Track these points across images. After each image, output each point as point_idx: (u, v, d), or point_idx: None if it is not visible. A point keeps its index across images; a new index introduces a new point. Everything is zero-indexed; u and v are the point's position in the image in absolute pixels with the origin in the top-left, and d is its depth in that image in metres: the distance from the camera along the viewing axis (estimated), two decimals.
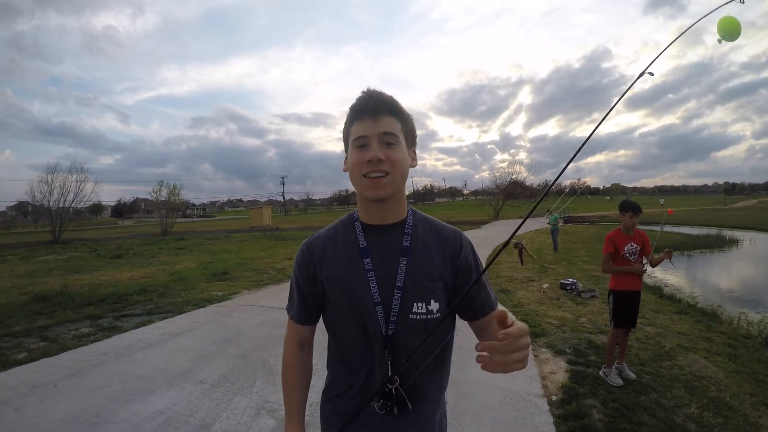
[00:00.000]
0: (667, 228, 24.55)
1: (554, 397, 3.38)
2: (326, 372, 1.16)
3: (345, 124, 1.05)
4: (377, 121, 0.98)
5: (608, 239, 3.79)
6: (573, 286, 7.51)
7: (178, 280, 9.39)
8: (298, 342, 1.16)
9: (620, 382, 3.61)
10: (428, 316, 1.00)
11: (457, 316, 1.11)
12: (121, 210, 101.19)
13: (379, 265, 1.01)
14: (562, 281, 7.90)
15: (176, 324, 5.65)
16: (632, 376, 3.74)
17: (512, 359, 0.73)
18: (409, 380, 0.99)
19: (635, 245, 3.69)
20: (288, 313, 1.16)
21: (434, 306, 1.01)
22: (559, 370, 3.96)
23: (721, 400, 3.37)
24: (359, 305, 1.00)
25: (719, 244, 17.02)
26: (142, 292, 8.01)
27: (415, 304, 0.99)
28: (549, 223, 15.38)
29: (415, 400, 1.01)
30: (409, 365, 0.94)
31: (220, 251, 16.54)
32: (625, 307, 3.74)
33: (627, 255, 3.69)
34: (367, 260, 1.02)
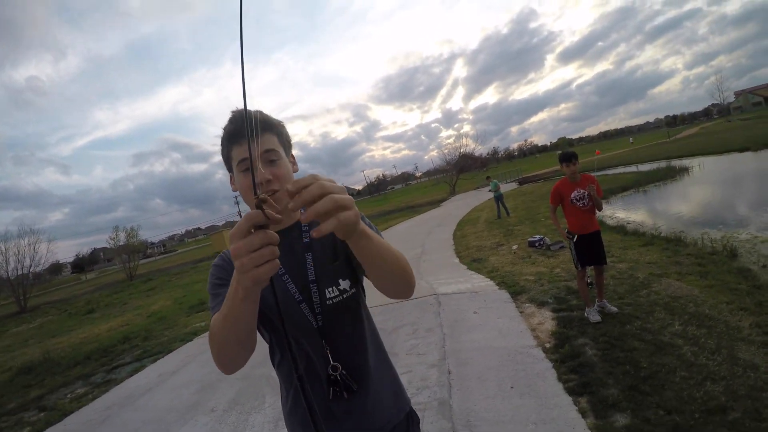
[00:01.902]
0: (620, 169, 25.61)
1: (547, 345, 3.57)
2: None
3: (222, 146, 1.05)
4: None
5: (554, 190, 3.97)
6: (541, 242, 7.79)
7: (158, 320, 9.21)
8: None
9: (598, 318, 3.82)
10: (344, 296, 1.04)
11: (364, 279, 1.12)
12: (81, 264, 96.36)
13: (290, 265, 1.03)
14: (529, 239, 8.16)
15: (170, 363, 5.56)
16: (614, 310, 3.96)
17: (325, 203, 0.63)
18: (349, 361, 1.03)
19: (581, 191, 3.84)
20: (213, 311, 0.99)
21: (344, 284, 1.04)
22: (545, 320, 4.17)
23: (701, 313, 3.62)
24: (285, 306, 1.02)
25: (671, 175, 17.61)
26: (126, 340, 7.81)
27: (327, 290, 1.02)
28: (491, 190, 15.36)
29: (360, 379, 1.04)
30: (344, 347, 1.03)
31: (190, 283, 16.30)
32: (585, 246, 3.90)
33: (575, 201, 3.86)
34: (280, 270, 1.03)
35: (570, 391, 2.78)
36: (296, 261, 1.04)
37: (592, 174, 4.38)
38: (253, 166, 0.70)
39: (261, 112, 1.02)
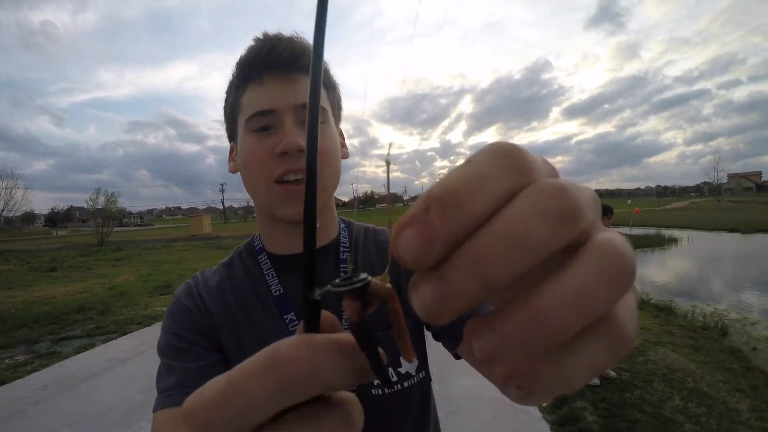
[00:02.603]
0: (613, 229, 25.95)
1: (544, 404, 3.31)
2: None
3: (228, 91, 0.67)
4: (291, 81, 0.60)
5: None
6: None
7: (119, 295, 8.74)
8: None
9: (597, 381, 3.67)
10: (405, 383, 0.62)
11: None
12: (55, 219, 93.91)
13: None
14: None
15: (121, 347, 5.14)
16: (613, 374, 3.80)
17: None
18: None
19: None
20: (160, 400, 0.58)
21: (409, 366, 0.63)
22: None
23: (700, 390, 3.55)
24: None
25: (659, 243, 17.87)
26: (81, 310, 7.34)
27: None
28: None
29: None
30: None
31: (160, 262, 15.72)
32: None
33: None
34: (288, 315, 0.63)
35: None
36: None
37: (623, 231, 4.31)
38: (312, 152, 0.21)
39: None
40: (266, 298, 0.65)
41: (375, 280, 0.20)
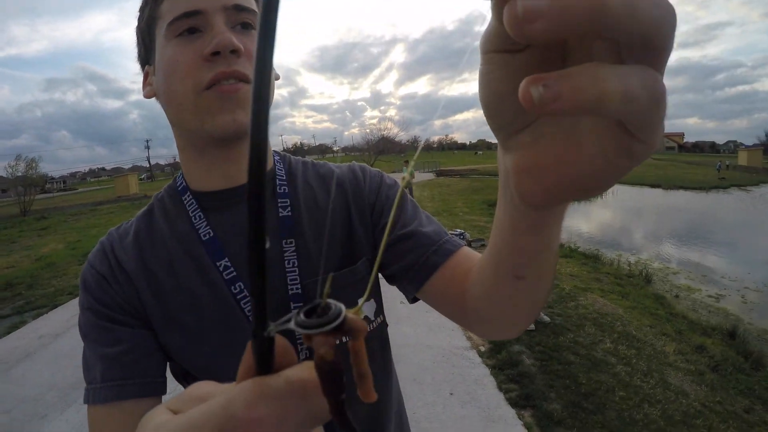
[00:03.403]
0: None
1: (482, 348, 3.49)
2: None
3: (142, 7, 0.57)
4: None
5: None
6: (461, 236, 7.80)
7: (46, 266, 8.20)
8: None
9: (532, 326, 3.79)
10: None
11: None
12: None
13: (246, 264, 0.48)
14: (450, 232, 8.24)
15: (53, 322, 4.84)
16: (546, 319, 3.99)
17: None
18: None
19: None
20: (90, 392, 0.53)
21: (366, 309, 0.61)
22: None
23: (629, 333, 3.80)
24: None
25: None
26: (8, 286, 6.82)
27: None
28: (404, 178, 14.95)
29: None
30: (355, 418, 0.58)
31: (87, 227, 14.89)
32: None
33: None
34: (222, 262, 0.56)
35: (513, 403, 2.69)
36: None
37: None
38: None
39: None
40: (193, 245, 0.57)
41: (350, 314, 0.17)
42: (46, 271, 7.75)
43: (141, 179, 55.38)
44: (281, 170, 0.63)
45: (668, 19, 0.17)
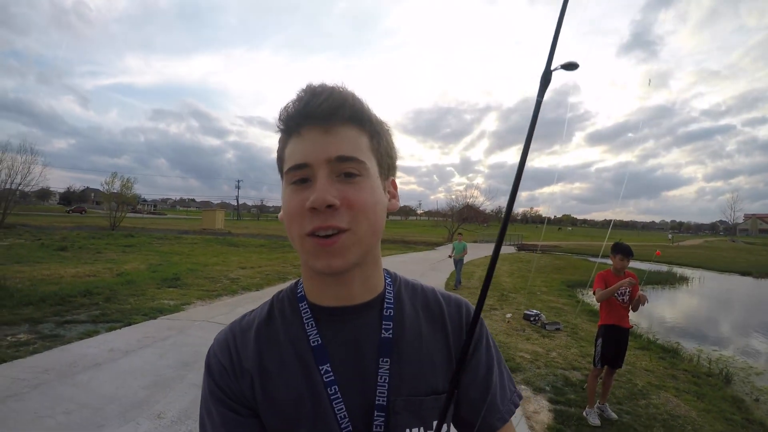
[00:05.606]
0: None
1: None
2: None
3: (279, 143, 0.65)
4: (328, 133, 0.59)
5: (599, 277, 3.79)
6: (537, 318, 7.51)
7: (126, 282, 8.73)
8: None
9: (598, 422, 3.61)
10: None
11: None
12: (69, 198, 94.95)
13: (345, 373, 0.63)
14: (525, 312, 7.86)
15: (125, 338, 5.11)
16: (614, 416, 3.75)
17: None
18: None
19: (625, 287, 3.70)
20: None
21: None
22: (542, 409, 3.88)
23: None
24: None
25: (670, 280, 17.46)
26: (88, 294, 7.37)
27: (406, 430, 0.62)
28: (451, 256, 11.67)
29: None
30: None
31: (170, 253, 15.70)
32: (613, 344, 3.72)
33: (617, 296, 3.70)
34: (324, 367, 0.63)
35: None
36: (360, 367, 0.63)
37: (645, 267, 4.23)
38: None
39: (354, 95, 0.61)
40: (303, 347, 0.65)
41: None
42: (125, 288, 8.20)
43: (227, 218, 59.25)
44: (390, 293, 0.70)
45: None
